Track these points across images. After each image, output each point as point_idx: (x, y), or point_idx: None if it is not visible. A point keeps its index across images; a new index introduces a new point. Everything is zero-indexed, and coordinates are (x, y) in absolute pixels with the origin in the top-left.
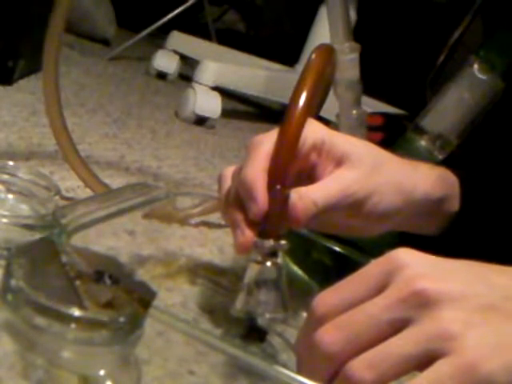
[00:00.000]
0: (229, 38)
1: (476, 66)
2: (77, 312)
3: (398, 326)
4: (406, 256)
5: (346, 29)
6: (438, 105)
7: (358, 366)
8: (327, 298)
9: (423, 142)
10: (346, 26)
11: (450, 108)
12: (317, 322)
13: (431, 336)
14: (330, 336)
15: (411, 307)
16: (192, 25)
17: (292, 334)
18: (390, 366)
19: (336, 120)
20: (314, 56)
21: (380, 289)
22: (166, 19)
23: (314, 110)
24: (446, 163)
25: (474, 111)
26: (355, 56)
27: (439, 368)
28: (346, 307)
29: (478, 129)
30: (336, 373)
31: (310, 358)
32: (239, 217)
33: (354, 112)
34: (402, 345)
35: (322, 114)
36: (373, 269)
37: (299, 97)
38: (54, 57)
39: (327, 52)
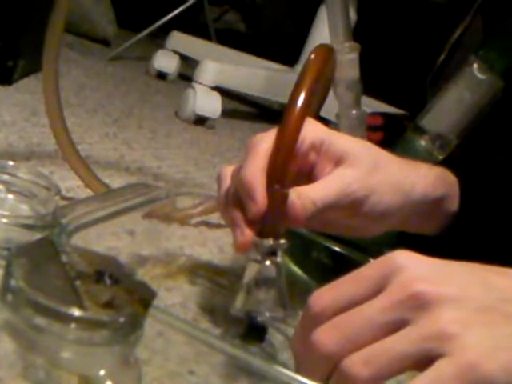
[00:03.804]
0: (229, 38)
1: (476, 66)
2: (77, 312)
3: (395, 328)
4: (403, 258)
5: (345, 29)
6: (438, 104)
7: (355, 362)
8: (324, 295)
9: (423, 142)
10: (345, 25)
11: (450, 108)
12: (313, 319)
13: (429, 336)
14: (327, 336)
15: (408, 309)
16: (192, 25)
17: (292, 333)
18: (386, 363)
19: (336, 120)
20: (312, 56)
21: (377, 290)
22: (166, 19)
23: (313, 109)
24: (445, 163)
25: (473, 111)
26: (355, 56)
27: (440, 368)
28: (342, 306)
29: (477, 129)
30: (333, 372)
31: (308, 357)
32: (238, 216)
33: (354, 112)
34: (398, 343)
35: (322, 113)
36: (370, 270)
37: (298, 96)
38: (54, 57)
39: (326, 52)
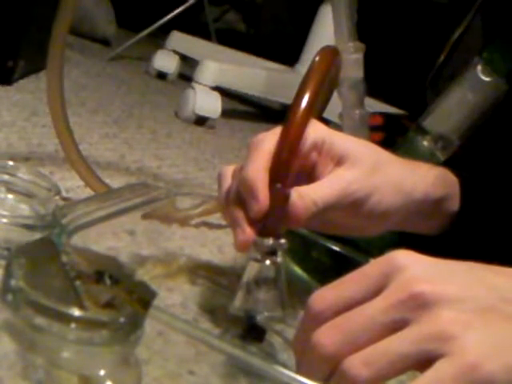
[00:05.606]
0: (229, 38)
1: (480, 68)
2: (77, 312)
3: (395, 328)
4: (404, 258)
5: (350, 28)
6: (441, 105)
7: (355, 362)
8: (324, 295)
9: (425, 143)
10: (350, 25)
11: (453, 109)
12: (313, 319)
13: (429, 336)
14: (328, 337)
15: (409, 309)
16: (192, 25)
17: (291, 333)
18: (386, 363)
19: (339, 120)
20: (317, 58)
21: (378, 290)
22: (166, 19)
23: (317, 110)
24: (447, 164)
25: (476, 112)
26: (359, 56)
27: (440, 368)
28: (343, 306)
29: (480, 130)
30: (334, 372)
31: (308, 358)
32: (240, 215)
33: (357, 112)
34: (399, 344)
35: (324, 114)
36: (371, 269)
37: (302, 97)
38: (58, 57)
39: (331, 54)
